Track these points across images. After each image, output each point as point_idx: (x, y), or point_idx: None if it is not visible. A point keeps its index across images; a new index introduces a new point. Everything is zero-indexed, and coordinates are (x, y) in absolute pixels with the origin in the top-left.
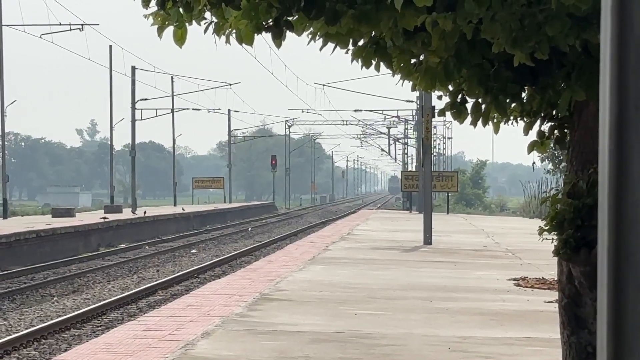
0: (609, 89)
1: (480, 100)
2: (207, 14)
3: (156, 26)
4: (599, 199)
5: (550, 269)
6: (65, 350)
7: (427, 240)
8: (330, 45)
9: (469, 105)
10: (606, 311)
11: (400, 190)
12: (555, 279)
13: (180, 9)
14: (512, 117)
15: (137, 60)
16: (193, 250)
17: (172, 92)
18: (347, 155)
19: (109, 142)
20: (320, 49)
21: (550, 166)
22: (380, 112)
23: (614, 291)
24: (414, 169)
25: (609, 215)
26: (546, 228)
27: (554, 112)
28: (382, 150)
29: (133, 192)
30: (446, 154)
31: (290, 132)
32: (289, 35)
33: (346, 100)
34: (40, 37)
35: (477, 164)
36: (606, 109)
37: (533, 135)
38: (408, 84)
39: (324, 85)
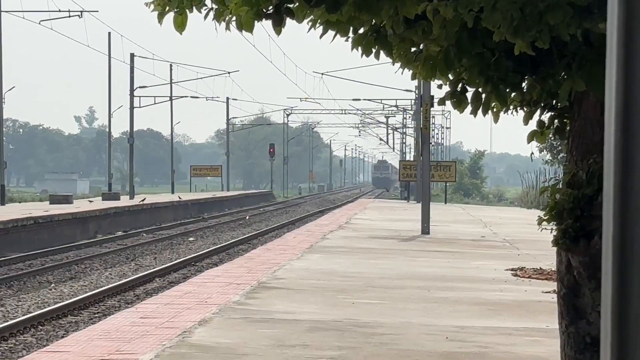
0: (615, 76)
1: (480, 89)
2: (208, 1)
3: (156, 12)
4: (604, 188)
5: (547, 259)
6: (63, 337)
7: (425, 229)
8: (331, 33)
9: (469, 95)
10: (610, 300)
11: (399, 180)
12: (553, 269)
13: None
14: (512, 107)
15: (136, 48)
16: (191, 238)
17: (171, 79)
18: (345, 144)
19: (107, 130)
20: (321, 37)
21: (548, 157)
22: (379, 101)
23: (619, 280)
24: (412, 159)
25: (614, 204)
26: (545, 218)
27: (554, 102)
28: (381, 139)
29: (131, 180)
30: (444, 144)
31: (288, 121)
32: (289, 23)
33: (345, 89)
34: (40, 23)
35: (475, 154)
36: (612, 97)
37: (533, 125)
38: (407, 73)
39: (322, 74)
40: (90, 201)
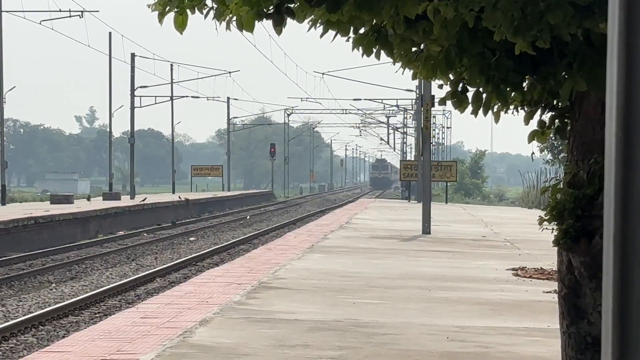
0: (616, 76)
1: (481, 89)
2: (208, 1)
3: (157, 12)
4: (605, 188)
5: (548, 259)
6: (64, 337)
7: (426, 229)
8: (331, 33)
9: (469, 95)
10: (611, 300)
11: (400, 180)
12: (554, 269)
13: None
14: (512, 107)
15: (137, 48)
16: (191, 238)
17: (172, 79)
18: (346, 144)
19: (108, 129)
20: (321, 37)
21: (549, 156)
22: (380, 101)
23: (619, 280)
24: (412, 159)
25: (614, 204)
26: (546, 218)
27: (555, 102)
28: (381, 139)
29: (131, 180)
30: (445, 144)
31: (289, 121)
32: (289, 23)
33: (345, 89)
34: (40, 23)
35: (476, 154)
36: (613, 97)
37: (534, 124)
38: (408, 73)
39: (323, 73)
40: (89, 200)
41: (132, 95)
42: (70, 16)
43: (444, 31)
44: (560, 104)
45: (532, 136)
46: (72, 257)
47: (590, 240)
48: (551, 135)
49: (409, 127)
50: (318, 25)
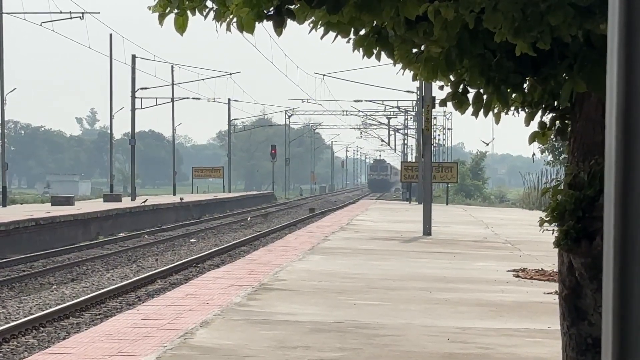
0: (616, 77)
1: (481, 90)
2: (209, 2)
3: (157, 14)
4: (605, 189)
5: (549, 260)
6: (64, 339)
7: (427, 231)
8: (332, 34)
9: (470, 96)
10: (611, 301)
11: (401, 182)
12: (555, 270)
13: None
14: (513, 108)
15: (138, 49)
16: (192, 240)
17: (172, 81)
18: (346, 146)
19: (109, 131)
20: (322, 38)
21: (550, 158)
22: (381, 102)
23: (619, 281)
24: (413, 160)
25: (614, 205)
26: (547, 219)
27: (556, 103)
28: (382, 140)
29: (132, 181)
30: (446, 145)
31: (290, 122)
32: (290, 24)
33: (346, 90)
34: (41, 25)
35: (477, 155)
36: (613, 98)
37: (534, 126)
38: (408, 74)
39: (324, 75)
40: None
41: (133, 97)
42: (70, 17)
43: (444, 32)
44: (560, 105)
45: (533, 137)
46: (72, 258)
47: (591, 242)
48: (552, 137)
49: (410, 129)
50: (319, 26)
